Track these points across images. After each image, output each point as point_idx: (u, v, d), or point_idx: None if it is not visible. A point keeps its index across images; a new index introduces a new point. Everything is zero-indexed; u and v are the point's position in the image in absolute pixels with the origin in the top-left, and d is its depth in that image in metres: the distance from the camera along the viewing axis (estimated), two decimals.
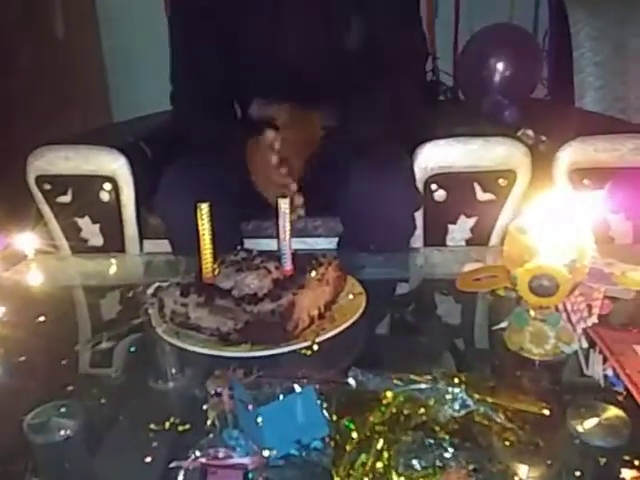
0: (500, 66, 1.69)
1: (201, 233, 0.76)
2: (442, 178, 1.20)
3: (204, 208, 0.76)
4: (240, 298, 0.72)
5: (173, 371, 0.76)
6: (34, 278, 1.03)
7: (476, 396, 0.60)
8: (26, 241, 1.08)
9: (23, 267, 1.05)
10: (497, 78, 1.69)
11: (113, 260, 1.14)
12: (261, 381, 0.69)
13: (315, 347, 0.69)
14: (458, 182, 1.20)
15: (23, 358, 0.77)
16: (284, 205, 0.78)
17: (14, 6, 1.97)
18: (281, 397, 0.64)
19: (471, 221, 1.21)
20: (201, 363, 0.72)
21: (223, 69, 1.23)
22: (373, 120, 1.13)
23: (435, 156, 1.20)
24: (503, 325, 0.73)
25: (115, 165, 1.24)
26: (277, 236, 0.80)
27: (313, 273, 0.76)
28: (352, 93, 1.15)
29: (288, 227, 0.78)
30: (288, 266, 0.78)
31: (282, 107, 1.13)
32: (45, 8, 2.03)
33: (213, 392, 0.66)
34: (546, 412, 0.58)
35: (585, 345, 0.70)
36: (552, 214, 0.65)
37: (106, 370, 0.78)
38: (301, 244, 1.31)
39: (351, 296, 0.80)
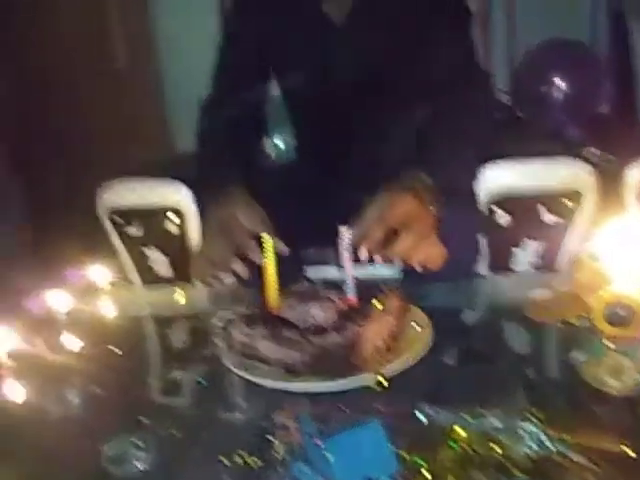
0: (560, 82, 1.65)
1: (265, 265, 0.77)
2: (505, 200, 1.18)
3: (268, 240, 0.77)
4: (305, 329, 0.72)
5: (241, 402, 0.77)
6: (107, 309, 1.07)
7: (552, 433, 0.58)
8: (99, 273, 1.13)
9: (96, 299, 1.09)
10: (557, 95, 1.65)
11: (181, 290, 1.18)
12: (328, 414, 0.69)
13: (383, 380, 0.69)
14: (521, 204, 1.17)
15: (98, 390, 0.80)
16: (346, 234, 0.78)
17: (78, 40, 2.09)
18: (348, 431, 0.64)
19: (537, 244, 1.18)
20: (269, 394, 0.72)
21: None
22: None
23: (496, 178, 1.18)
24: (578, 356, 0.71)
25: (179, 197, 1.28)
26: (339, 265, 0.80)
27: (377, 303, 0.75)
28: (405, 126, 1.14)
29: (349, 257, 0.79)
30: (352, 296, 0.78)
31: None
32: (107, 40, 2.15)
33: (281, 424, 0.67)
34: (629, 452, 0.55)
35: None
36: (625, 239, 0.63)
37: (176, 401, 0.80)
38: (363, 270, 1.30)
39: (417, 327, 0.79)
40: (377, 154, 1.22)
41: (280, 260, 1.14)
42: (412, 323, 0.80)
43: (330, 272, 1.32)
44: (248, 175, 1.04)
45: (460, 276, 1.05)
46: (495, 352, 0.81)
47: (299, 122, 1.37)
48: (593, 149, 1.38)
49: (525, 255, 1.19)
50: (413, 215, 0.84)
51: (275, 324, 0.74)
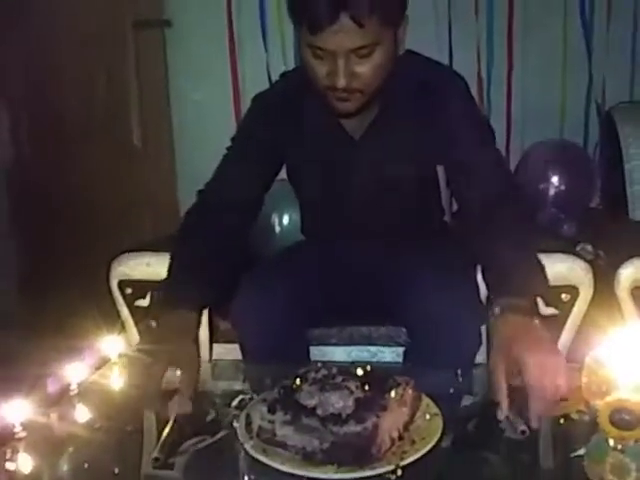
0: (555, 180, 1.75)
1: None
2: None
3: None
4: (325, 417, 0.75)
5: None
6: (116, 382, 1.09)
7: None
8: (110, 345, 1.15)
9: (106, 371, 1.11)
10: (552, 192, 1.74)
11: None
12: None
13: (399, 471, 0.71)
14: None
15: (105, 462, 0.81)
16: None
17: (94, 116, 2.17)
18: None
19: None
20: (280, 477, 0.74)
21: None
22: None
23: None
24: (581, 452, 0.74)
25: None
26: None
27: (393, 393, 0.79)
28: None
29: None
30: None
31: None
32: (123, 118, 2.24)
33: None
34: None
35: None
36: (630, 346, 0.68)
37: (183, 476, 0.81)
38: (365, 352, 1.34)
39: (427, 416, 0.83)
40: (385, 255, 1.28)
41: (286, 339, 1.18)
42: (423, 413, 0.84)
43: (333, 353, 1.35)
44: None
45: (462, 364, 1.09)
46: (498, 445, 0.83)
47: (307, 209, 1.42)
48: (587, 246, 1.45)
49: None
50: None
51: (295, 410, 0.76)
